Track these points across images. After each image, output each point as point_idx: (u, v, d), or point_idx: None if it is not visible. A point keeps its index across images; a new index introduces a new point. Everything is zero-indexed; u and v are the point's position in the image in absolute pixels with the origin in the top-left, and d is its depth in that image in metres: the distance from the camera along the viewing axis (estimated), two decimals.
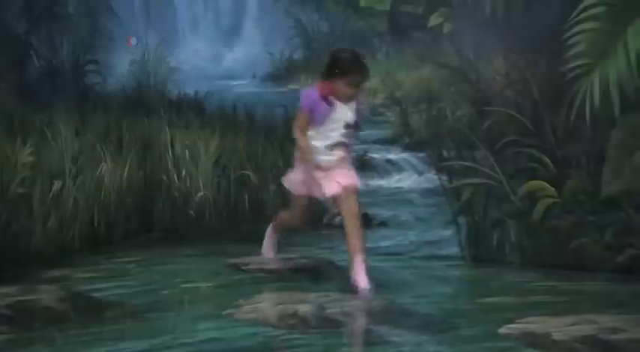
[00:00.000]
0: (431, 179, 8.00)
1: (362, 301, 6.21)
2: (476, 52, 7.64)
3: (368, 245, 8.17)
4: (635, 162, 6.91)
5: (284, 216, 6.84)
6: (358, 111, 6.21)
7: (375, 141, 8.37)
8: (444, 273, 7.49)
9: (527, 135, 7.46)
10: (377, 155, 8.29)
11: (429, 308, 6.22)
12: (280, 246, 8.26)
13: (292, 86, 8.83)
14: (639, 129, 6.91)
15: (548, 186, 7.38)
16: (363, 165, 8.31)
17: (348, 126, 6.15)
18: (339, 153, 6.21)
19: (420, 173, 8.11)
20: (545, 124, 7.37)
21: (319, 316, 5.79)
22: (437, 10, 7.81)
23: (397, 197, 8.22)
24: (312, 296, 6.15)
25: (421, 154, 8.08)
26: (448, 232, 7.86)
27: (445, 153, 7.86)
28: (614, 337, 5.12)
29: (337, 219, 8.39)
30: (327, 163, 6.21)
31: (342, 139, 6.18)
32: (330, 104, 6.08)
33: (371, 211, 8.24)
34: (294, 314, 5.80)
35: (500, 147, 7.57)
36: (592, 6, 7.06)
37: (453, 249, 7.82)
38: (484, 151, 7.63)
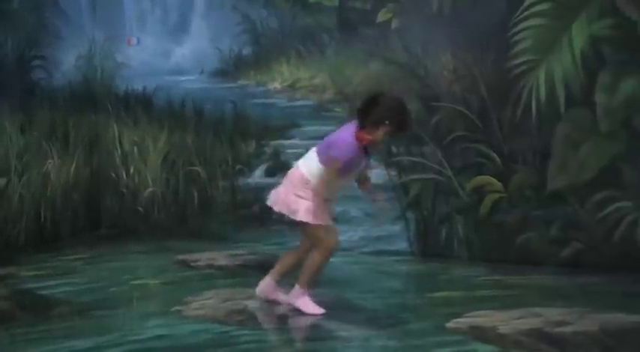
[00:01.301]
0: (380, 174, 7.99)
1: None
2: (424, 48, 7.67)
3: None
4: (580, 157, 7.00)
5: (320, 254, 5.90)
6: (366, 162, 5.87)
7: (324, 137, 8.36)
8: (393, 268, 7.53)
9: (474, 130, 7.52)
10: None
11: (378, 303, 6.25)
12: (229, 242, 8.26)
13: (241, 82, 8.80)
14: (584, 125, 7.00)
15: (495, 181, 7.45)
16: None
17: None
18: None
19: (369, 168, 8.11)
20: (492, 120, 7.44)
21: (266, 312, 5.80)
22: (385, 6, 7.84)
23: (346, 193, 8.22)
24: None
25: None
26: (397, 227, 7.89)
27: (394, 149, 7.89)
28: (559, 330, 5.18)
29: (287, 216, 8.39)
30: (333, 198, 5.91)
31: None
32: (366, 155, 5.70)
33: None
34: (243, 311, 5.79)
35: (449, 142, 7.62)
36: (538, 3, 7.13)
37: (402, 244, 7.86)
38: (432, 147, 7.68)
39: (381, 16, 7.89)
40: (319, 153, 5.76)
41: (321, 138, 8.45)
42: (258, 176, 8.60)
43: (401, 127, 5.57)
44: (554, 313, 5.50)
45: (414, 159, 7.79)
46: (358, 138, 5.56)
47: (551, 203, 7.12)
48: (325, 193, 5.70)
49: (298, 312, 5.84)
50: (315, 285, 5.93)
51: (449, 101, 7.59)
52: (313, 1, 8.27)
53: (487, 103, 7.46)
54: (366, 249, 7.99)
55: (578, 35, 6.99)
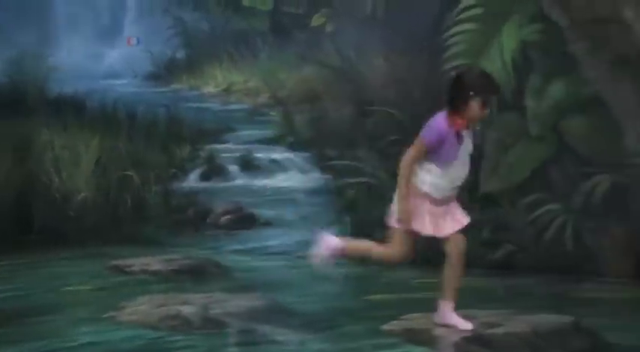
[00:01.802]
0: (315, 178, 8.02)
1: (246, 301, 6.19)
2: (358, 52, 7.71)
3: (253, 245, 8.24)
4: (511, 160, 7.09)
5: (380, 250, 5.58)
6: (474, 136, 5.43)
7: (259, 141, 8.35)
8: (329, 272, 7.51)
9: (408, 134, 7.53)
10: (261, 154, 8.28)
11: (314, 306, 6.25)
12: (163, 247, 8.18)
13: (175, 86, 8.74)
14: (514, 128, 7.10)
15: None
16: (246, 165, 8.31)
17: (470, 157, 5.36)
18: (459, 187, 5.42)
19: (305, 172, 8.11)
20: (425, 123, 7.47)
21: (202, 317, 5.76)
22: (319, 11, 7.86)
23: (282, 196, 8.22)
24: (195, 296, 6.11)
25: (305, 154, 8.09)
26: (333, 231, 7.89)
27: (329, 153, 7.91)
28: (490, 331, 5.23)
29: (223, 220, 8.36)
30: (447, 198, 5.36)
31: (467, 174, 5.37)
32: (461, 139, 5.23)
33: (256, 211, 8.23)
34: (177, 316, 5.75)
35: (383, 146, 7.66)
36: (470, 7, 7.23)
37: None
38: (367, 150, 7.71)
39: (315, 21, 7.92)
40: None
41: (257, 142, 8.54)
42: (192, 180, 8.55)
43: (487, 90, 5.23)
44: (485, 315, 5.55)
45: (349, 162, 7.81)
46: (449, 122, 5.22)
47: (483, 205, 7.19)
48: (434, 192, 5.27)
49: (236, 317, 5.82)
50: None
51: (383, 105, 7.63)
52: (246, 5, 8.25)
53: (421, 107, 7.51)
54: (301, 253, 7.96)
55: (509, 40, 7.10)
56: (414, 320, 5.58)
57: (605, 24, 6.77)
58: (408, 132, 7.55)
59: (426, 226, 5.30)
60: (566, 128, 6.90)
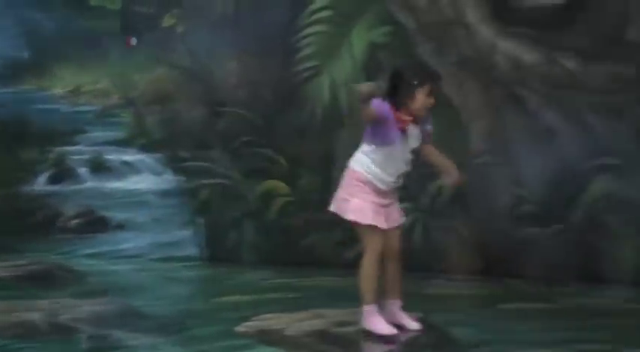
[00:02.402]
0: (168, 180, 7.94)
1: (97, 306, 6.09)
2: (209, 53, 7.68)
3: (105, 249, 8.11)
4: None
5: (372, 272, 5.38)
6: (423, 131, 5.36)
7: (110, 143, 8.20)
8: (182, 274, 7.49)
9: (261, 135, 7.60)
10: (112, 156, 8.14)
11: (166, 309, 6.19)
12: (11, 252, 7.93)
13: (21, 87, 8.48)
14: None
15: (282, 185, 7.56)
16: (97, 167, 8.16)
17: (413, 151, 5.35)
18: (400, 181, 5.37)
19: (157, 174, 8.02)
20: (278, 124, 7.54)
21: (50, 323, 5.63)
22: (170, 11, 7.79)
23: (134, 199, 8.11)
24: (42, 303, 5.97)
25: (157, 155, 8.00)
26: (186, 233, 7.86)
27: (181, 154, 7.86)
28: (342, 330, 5.31)
29: (73, 223, 8.19)
30: (390, 190, 5.34)
31: (408, 168, 5.35)
32: (405, 132, 5.23)
33: (108, 214, 8.10)
34: (22, 323, 5.60)
35: (236, 147, 7.66)
36: (319, 9, 7.31)
37: (191, 250, 7.83)
38: (220, 151, 7.70)
39: (166, 21, 7.84)
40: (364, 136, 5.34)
41: (108, 143, 8.40)
42: (41, 183, 8.33)
43: (432, 77, 5.27)
44: (338, 313, 5.63)
45: (202, 164, 7.78)
46: (398, 121, 5.19)
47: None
48: (378, 178, 5.25)
49: (86, 322, 5.71)
50: (377, 298, 5.39)
51: (235, 106, 7.64)
52: (94, 5, 8.10)
53: (273, 108, 7.55)
54: (154, 256, 7.90)
55: (358, 42, 7.21)
56: (266, 321, 5.61)
57: (450, 26, 6.96)
58: (261, 132, 7.61)
59: (378, 219, 5.27)
60: None
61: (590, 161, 6.71)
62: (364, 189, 5.28)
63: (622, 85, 6.60)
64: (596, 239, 6.74)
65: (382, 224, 5.29)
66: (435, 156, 5.47)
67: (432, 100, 5.24)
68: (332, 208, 5.43)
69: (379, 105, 5.13)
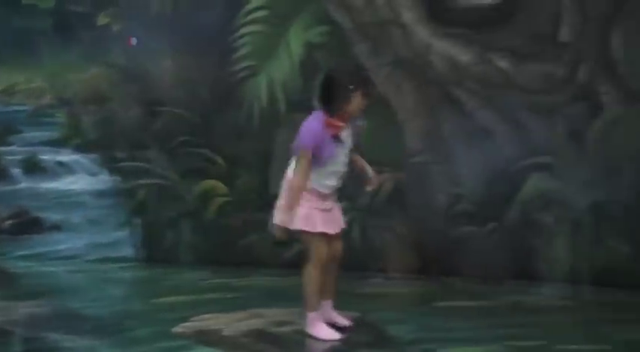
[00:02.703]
0: (104, 180, 7.87)
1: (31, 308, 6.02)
2: (145, 52, 7.63)
3: (39, 250, 8.01)
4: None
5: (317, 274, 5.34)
6: (355, 127, 5.36)
7: (44, 143, 8.10)
8: (118, 275, 7.44)
9: (198, 135, 7.57)
10: (46, 157, 8.05)
11: (103, 311, 6.16)
12: None
13: None
14: None
15: (220, 185, 7.54)
16: (31, 168, 8.06)
17: (350, 151, 5.35)
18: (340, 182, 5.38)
19: (93, 174, 7.95)
20: (216, 124, 7.52)
21: None
22: (104, 10, 7.72)
23: (69, 199, 8.03)
24: None
25: (93, 155, 7.93)
26: (122, 234, 7.80)
27: (117, 154, 7.80)
28: (281, 329, 5.32)
29: (6, 224, 8.09)
30: (332, 193, 5.36)
31: (346, 168, 5.36)
32: (339, 138, 5.22)
33: (42, 214, 8.01)
34: None
35: (173, 147, 7.62)
36: (255, 9, 7.30)
37: (128, 251, 7.78)
38: (156, 151, 7.66)
39: (101, 20, 7.77)
40: (294, 149, 5.32)
41: (42, 144, 8.30)
42: None
43: (366, 81, 5.27)
44: (276, 313, 5.65)
45: (139, 164, 7.73)
46: (329, 126, 5.17)
47: (273, 206, 7.27)
48: (319, 183, 5.25)
49: (21, 325, 5.65)
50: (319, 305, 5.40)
51: (172, 105, 7.60)
52: (26, 3, 7.98)
53: (210, 108, 7.53)
54: (90, 257, 7.83)
55: (295, 42, 7.22)
56: (205, 322, 5.61)
57: (386, 26, 7.01)
58: (198, 132, 7.58)
59: (318, 225, 5.26)
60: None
61: (524, 160, 6.80)
62: (307, 196, 5.28)
63: (555, 84, 6.70)
64: (531, 237, 6.84)
65: (330, 229, 5.30)
66: (360, 161, 5.51)
67: (365, 103, 5.24)
68: (276, 220, 5.33)
69: (307, 141, 5.17)
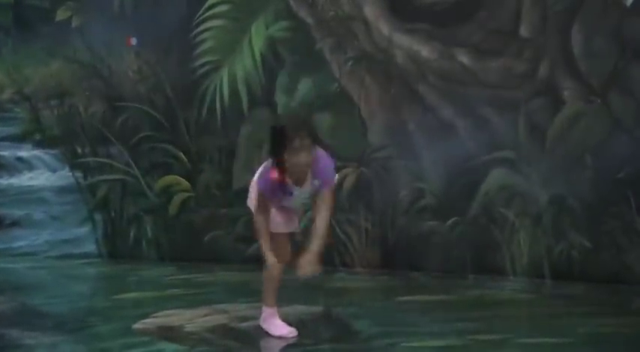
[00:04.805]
0: (65, 176, 7.83)
1: None
2: (107, 47, 7.59)
3: (0, 246, 7.94)
4: (263, 156, 7.20)
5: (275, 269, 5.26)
6: (320, 171, 5.06)
7: (4, 139, 8.04)
8: (80, 272, 7.40)
9: (161, 130, 7.55)
10: (6, 153, 7.97)
11: (64, 307, 6.11)
12: None
13: None
14: (266, 124, 7.20)
15: (183, 180, 7.52)
16: None
17: (309, 195, 5.15)
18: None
19: (54, 170, 7.90)
20: (178, 120, 7.50)
21: None
22: (64, 4, 7.67)
23: (29, 196, 7.97)
24: None
25: (54, 151, 7.88)
26: (84, 230, 7.77)
27: (79, 150, 7.76)
28: (244, 325, 5.31)
29: None
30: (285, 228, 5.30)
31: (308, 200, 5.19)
32: (287, 191, 5.06)
33: (2, 211, 7.95)
34: None
35: (135, 142, 7.60)
36: (217, 4, 7.28)
37: (90, 247, 7.75)
38: (119, 147, 7.62)
39: (60, 14, 7.71)
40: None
41: (2, 139, 8.21)
42: None
43: (292, 138, 4.93)
44: (239, 308, 5.63)
45: (101, 159, 7.70)
46: (272, 176, 5.01)
47: (236, 202, 7.26)
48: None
49: None
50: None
51: (134, 101, 7.57)
52: None
53: (173, 103, 7.51)
54: (51, 253, 7.79)
55: (257, 37, 7.21)
56: (168, 318, 5.58)
57: (349, 22, 7.02)
58: (161, 128, 7.56)
59: (281, 225, 5.21)
60: (315, 123, 7.08)
61: (486, 155, 6.84)
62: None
63: (516, 80, 6.75)
64: (493, 231, 6.88)
65: (284, 229, 5.26)
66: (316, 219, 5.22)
67: (305, 156, 4.95)
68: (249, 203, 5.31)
69: (260, 181, 5.09)
